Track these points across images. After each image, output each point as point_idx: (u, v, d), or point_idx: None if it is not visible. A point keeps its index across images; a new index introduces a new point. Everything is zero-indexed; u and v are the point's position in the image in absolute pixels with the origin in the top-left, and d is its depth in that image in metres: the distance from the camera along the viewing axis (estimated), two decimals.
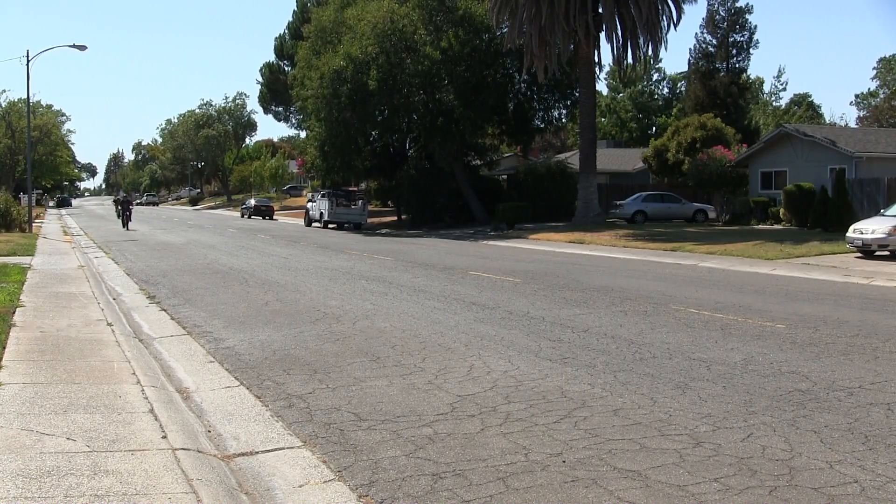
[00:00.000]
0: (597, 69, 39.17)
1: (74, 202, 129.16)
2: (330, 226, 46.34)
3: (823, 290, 15.80)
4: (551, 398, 7.31)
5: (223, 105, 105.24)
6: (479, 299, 14.06)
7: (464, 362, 8.82)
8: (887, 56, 79.09)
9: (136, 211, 55.06)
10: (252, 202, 67.04)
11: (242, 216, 66.12)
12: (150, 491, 4.80)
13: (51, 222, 51.68)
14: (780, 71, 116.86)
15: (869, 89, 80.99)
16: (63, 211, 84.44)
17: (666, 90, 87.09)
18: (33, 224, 41.28)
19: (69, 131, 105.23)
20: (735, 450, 5.87)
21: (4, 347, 8.83)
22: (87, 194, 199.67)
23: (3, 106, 76.46)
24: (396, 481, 5.30)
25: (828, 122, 76.38)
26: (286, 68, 73.94)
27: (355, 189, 55.77)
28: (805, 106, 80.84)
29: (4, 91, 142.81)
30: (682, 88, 79.23)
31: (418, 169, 46.88)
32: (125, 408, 6.65)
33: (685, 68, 72.25)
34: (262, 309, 13.07)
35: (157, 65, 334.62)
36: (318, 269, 20.23)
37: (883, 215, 22.79)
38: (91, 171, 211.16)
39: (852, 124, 73.32)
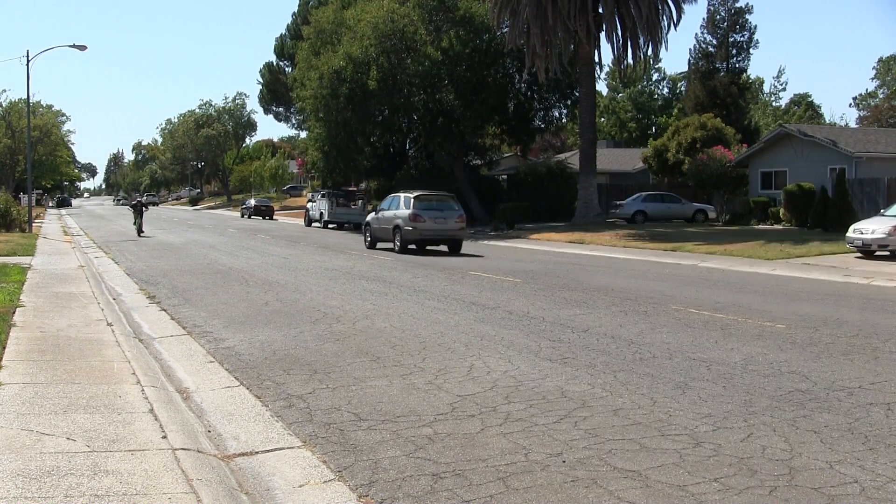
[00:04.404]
0: (597, 69, 39.23)
1: (74, 202, 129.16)
2: (330, 226, 46.35)
3: (823, 290, 15.80)
4: (551, 398, 7.31)
5: (223, 105, 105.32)
6: (479, 299, 14.06)
7: (464, 362, 8.82)
8: (886, 56, 79.22)
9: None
10: (252, 202, 67.02)
11: (242, 216, 66.11)
12: (150, 491, 4.80)
13: (51, 222, 51.68)
14: (780, 71, 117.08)
15: (867, 90, 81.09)
16: (63, 211, 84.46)
17: (666, 90, 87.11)
18: (33, 224, 41.28)
19: (69, 131, 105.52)
20: (735, 450, 5.87)
21: (4, 347, 8.82)
22: (86, 194, 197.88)
23: (3, 106, 76.49)
24: (396, 481, 5.30)
25: (828, 122, 76.46)
26: (286, 68, 73.97)
27: (355, 189, 55.78)
28: (805, 106, 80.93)
29: (4, 91, 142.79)
30: (682, 88, 79.26)
31: (418, 169, 46.89)
32: (125, 408, 6.65)
33: (685, 68, 72.37)
34: (262, 309, 13.07)
35: (156, 65, 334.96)
36: (318, 269, 20.23)
37: (883, 215, 22.80)
38: (91, 171, 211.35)
39: (852, 125, 73.42)
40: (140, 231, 35.62)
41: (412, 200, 25.98)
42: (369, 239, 28.50)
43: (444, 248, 26.58)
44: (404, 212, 25.98)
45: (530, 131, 46.66)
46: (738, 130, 46.27)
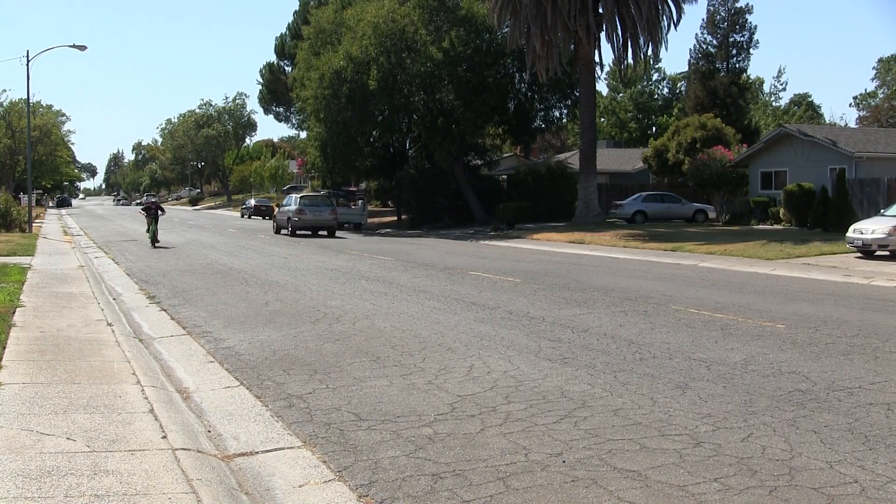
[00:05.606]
0: (597, 69, 39.22)
1: (73, 202, 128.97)
2: None
3: (823, 290, 15.80)
4: (551, 398, 7.31)
5: (223, 105, 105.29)
6: (479, 299, 14.06)
7: (464, 362, 8.82)
8: (886, 56, 79.23)
9: (134, 212, 52.82)
10: (252, 202, 67.03)
11: (242, 216, 66.12)
12: (150, 491, 4.80)
13: (51, 222, 51.67)
14: (780, 71, 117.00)
15: (866, 90, 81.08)
16: (63, 211, 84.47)
17: (666, 90, 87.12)
18: (33, 224, 41.28)
19: (69, 131, 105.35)
20: (735, 450, 5.87)
21: (4, 347, 8.82)
22: (81, 196, 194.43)
23: (4, 106, 76.42)
24: (396, 481, 5.30)
25: (828, 122, 76.45)
26: (287, 68, 73.88)
27: (355, 189, 55.79)
28: (805, 106, 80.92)
29: (4, 91, 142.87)
30: (682, 88, 79.26)
31: (418, 169, 46.87)
32: (125, 408, 6.65)
33: (685, 68, 72.37)
34: (262, 309, 13.07)
35: (156, 65, 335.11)
36: (318, 269, 20.24)
37: (883, 215, 22.78)
38: (91, 171, 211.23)
39: (852, 125, 73.40)
40: (155, 240, 28.55)
41: (298, 199, 37.11)
42: (274, 226, 39.44)
43: (323, 232, 36.60)
44: (293, 207, 36.47)
45: (530, 131, 46.64)
46: (738, 130, 46.22)
